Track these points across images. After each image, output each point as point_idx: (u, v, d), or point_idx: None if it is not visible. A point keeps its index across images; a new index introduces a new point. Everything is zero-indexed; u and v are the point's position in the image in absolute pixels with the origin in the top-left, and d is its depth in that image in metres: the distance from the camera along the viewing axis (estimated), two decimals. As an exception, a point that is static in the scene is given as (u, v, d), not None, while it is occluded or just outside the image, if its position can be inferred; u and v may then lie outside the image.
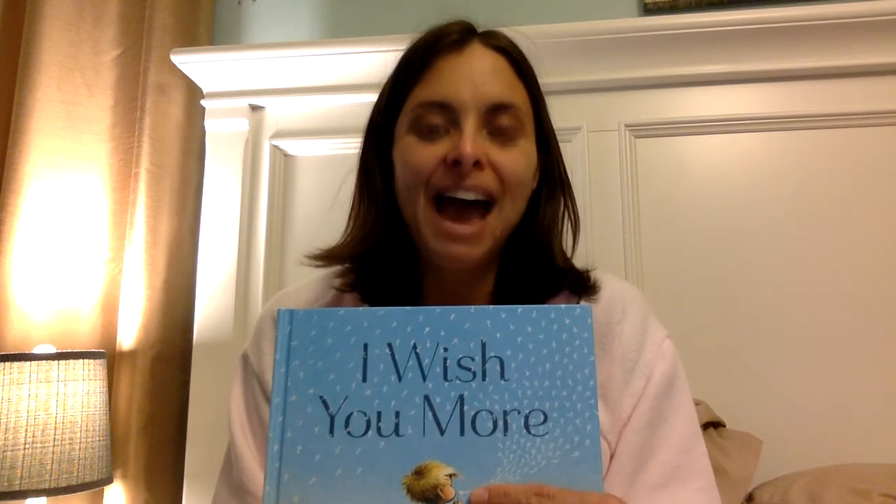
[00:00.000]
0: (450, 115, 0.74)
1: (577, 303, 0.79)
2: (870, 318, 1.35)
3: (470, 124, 0.73)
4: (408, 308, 0.54)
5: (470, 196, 0.72)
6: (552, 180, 0.83)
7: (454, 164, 0.71)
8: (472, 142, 0.71)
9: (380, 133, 0.81)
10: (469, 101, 0.73)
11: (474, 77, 0.74)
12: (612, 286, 0.81)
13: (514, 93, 0.76)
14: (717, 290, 1.40)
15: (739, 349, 1.37)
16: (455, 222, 0.72)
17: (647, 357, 0.76)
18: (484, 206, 0.74)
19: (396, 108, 0.79)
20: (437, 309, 0.54)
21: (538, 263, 0.79)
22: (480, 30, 0.80)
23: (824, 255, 1.38)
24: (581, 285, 0.79)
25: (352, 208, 0.83)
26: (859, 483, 1.05)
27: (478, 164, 0.71)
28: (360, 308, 0.55)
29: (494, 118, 0.74)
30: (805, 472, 1.14)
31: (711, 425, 1.23)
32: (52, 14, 1.65)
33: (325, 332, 0.53)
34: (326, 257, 0.81)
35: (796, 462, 1.20)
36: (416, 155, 0.74)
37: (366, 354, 0.53)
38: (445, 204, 0.74)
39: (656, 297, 1.37)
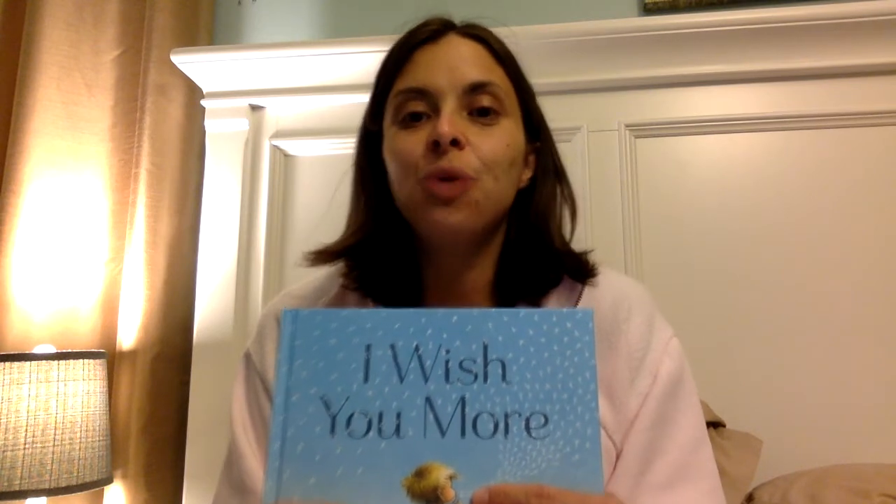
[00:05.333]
0: (429, 101, 0.75)
1: (580, 290, 0.79)
2: (870, 318, 1.35)
3: (448, 106, 0.73)
4: (410, 310, 0.54)
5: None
6: (546, 167, 0.83)
7: (434, 146, 0.72)
8: (448, 121, 0.72)
9: (372, 137, 0.82)
10: (446, 84, 0.74)
11: (450, 62, 0.75)
12: (619, 283, 0.81)
13: (492, 73, 0.77)
14: (717, 290, 1.40)
15: (739, 349, 1.37)
16: (441, 186, 0.72)
17: (653, 356, 0.76)
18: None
19: (382, 106, 0.80)
20: (440, 311, 0.54)
21: (536, 248, 0.79)
22: (459, 23, 0.81)
23: (824, 254, 1.38)
24: (580, 269, 0.79)
25: (349, 211, 0.83)
26: (859, 483, 1.05)
27: (456, 143, 0.72)
28: (364, 309, 0.55)
29: (473, 100, 0.75)
30: (805, 472, 1.14)
31: (711, 425, 1.23)
32: (52, 14, 1.65)
33: (328, 333, 0.54)
34: (322, 253, 0.81)
35: (796, 462, 1.20)
36: (400, 143, 0.75)
37: (368, 355, 0.53)
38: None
39: (656, 296, 1.36)
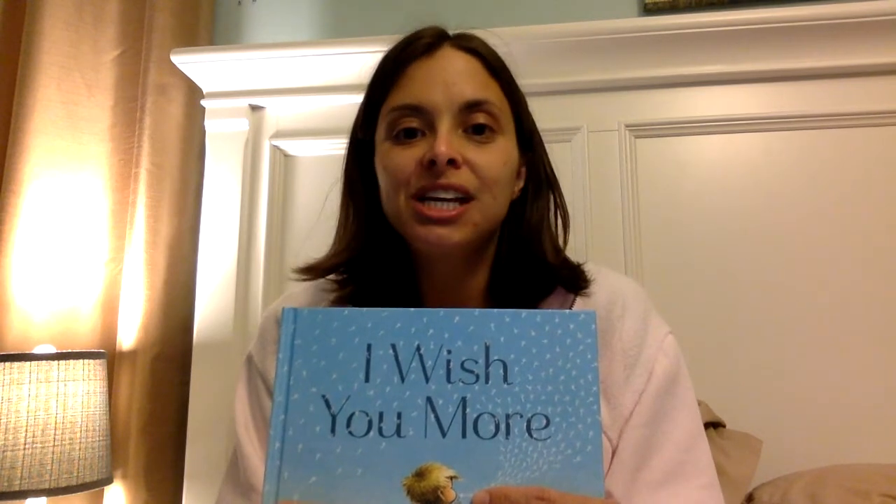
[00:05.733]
0: (425, 117, 0.74)
1: (572, 299, 0.80)
2: (870, 318, 1.35)
3: (444, 125, 0.73)
4: (412, 309, 0.54)
5: (449, 195, 0.72)
6: (538, 178, 0.83)
7: (430, 165, 0.72)
8: (446, 141, 0.72)
9: (361, 146, 0.82)
10: (442, 102, 0.74)
11: (446, 78, 0.75)
12: (613, 281, 0.81)
13: (488, 90, 0.77)
14: (717, 291, 1.40)
15: (739, 349, 1.37)
16: (433, 208, 0.73)
17: (648, 353, 0.76)
18: (462, 200, 0.74)
19: (374, 117, 0.80)
20: (442, 311, 0.54)
21: (528, 260, 0.79)
22: (453, 33, 0.80)
23: (824, 255, 1.38)
24: (574, 281, 0.79)
25: (338, 222, 0.83)
26: (859, 483, 1.05)
27: (453, 163, 0.72)
28: (365, 308, 0.55)
29: (469, 117, 0.75)
30: (805, 472, 1.14)
31: (711, 425, 1.23)
32: (52, 14, 1.65)
33: (328, 332, 0.54)
34: (313, 269, 0.81)
35: (796, 462, 1.20)
36: (394, 159, 0.75)
37: (369, 355, 0.53)
38: (425, 201, 0.74)
39: (656, 297, 1.35)
